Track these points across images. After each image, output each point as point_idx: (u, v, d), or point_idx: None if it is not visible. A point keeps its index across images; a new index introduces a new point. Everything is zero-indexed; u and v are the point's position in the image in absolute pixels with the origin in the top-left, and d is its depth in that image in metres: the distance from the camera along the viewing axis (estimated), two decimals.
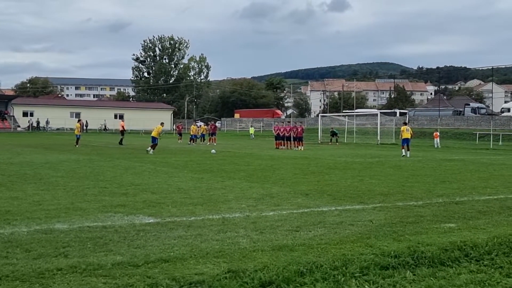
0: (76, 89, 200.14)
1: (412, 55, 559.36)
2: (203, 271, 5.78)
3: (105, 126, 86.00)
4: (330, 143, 46.25)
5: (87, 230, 7.83)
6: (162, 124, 31.74)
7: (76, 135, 36.16)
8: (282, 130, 37.48)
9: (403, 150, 29.13)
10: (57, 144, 38.76)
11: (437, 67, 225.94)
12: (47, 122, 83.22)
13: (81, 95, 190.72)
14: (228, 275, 5.64)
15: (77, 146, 34.09)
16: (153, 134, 29.65)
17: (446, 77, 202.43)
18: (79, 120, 39.05)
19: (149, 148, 28.50)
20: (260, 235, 7.71)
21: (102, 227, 8.10)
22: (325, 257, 6.37)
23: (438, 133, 44.59)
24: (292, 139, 36.32)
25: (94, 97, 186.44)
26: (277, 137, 37.45)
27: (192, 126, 45.84)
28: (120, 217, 8.94)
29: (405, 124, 31.79)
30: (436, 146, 42.28)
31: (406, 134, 29.38)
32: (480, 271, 6.18)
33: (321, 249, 6.78)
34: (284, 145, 36.65)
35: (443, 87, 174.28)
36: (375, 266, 6.12)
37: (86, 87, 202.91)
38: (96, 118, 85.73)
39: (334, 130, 48.34)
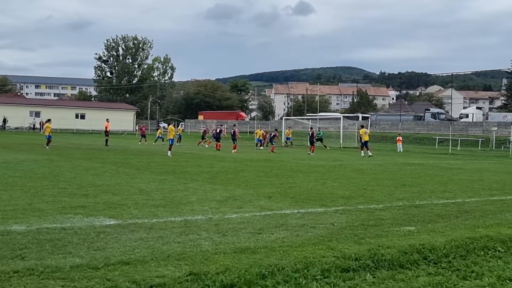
0: (36, 88, 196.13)
1: (375, 60, 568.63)
2: (164, 273, 5.72)
3: (34, 125, 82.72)
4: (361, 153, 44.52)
5: (45, 232, 7.66)
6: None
7: (47, 135, 33.75)
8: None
9: (362, 151, 32.05)
10: (16, 143, 37.91)
11: (399, 73, 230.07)
12: (5, 121, 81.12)
13: (41, 94, 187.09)
14: (190, 278, 5.61)
15: (47, 147, 31.91)
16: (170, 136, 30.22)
17: (408, 82, 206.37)
18: (48, 120, 36.58)
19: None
20: (222, 237, 7.69)
21: (61, 228, 7.94)
22: (287, 259, 6.39)
23: (401, 138, 45.34)
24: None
25: (55, 96, 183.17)
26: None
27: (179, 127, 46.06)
28: (80, 219, 8.79)
29: (362, 127, 34.32)
30: (398, 150, 42.92)
31: (366, 137, 32.19)
32: (438, 274, 6.30)
33: (283, 251, 6.79)
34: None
35: (404, 92, 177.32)
36: (336, 269, 6.18)
37: (46, 86, 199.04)
38: (57, 118, 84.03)
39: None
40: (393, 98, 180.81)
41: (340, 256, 6.59)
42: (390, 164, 26.19)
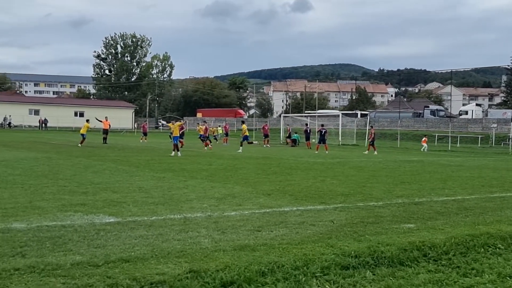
0: (35, 86, 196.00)
1: (374, 57, 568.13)
2: (164, 271, 5.72)
3: (9, 122, 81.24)
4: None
5: (46, 230, 7.66)
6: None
7: (82, 134, 35.96)
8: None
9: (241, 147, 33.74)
10: (16, 141, 37.87)
11: (398, 70, 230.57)
12: (5, 119, 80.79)
13: (40, 92, 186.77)
14: (190, 275, 5.61)
15: (80, 146, 33.50)
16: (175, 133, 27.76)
17: (407, 79, 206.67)
18: (87, 120, 38.46)
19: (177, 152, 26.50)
20: (222, 235, 7.69)
21: (61, 226, 7.95)
22: (286, 257, 6.39)
23: (426, 139, 44.51)
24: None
25: (53, 94, 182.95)
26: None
27: (200, 126, 43.11)
28: (80, 216, 8.79)
29: (243, 123, 39.90)
30: (423, 150, 41.84)
31: (246, 133, 37.45)
32: (438, 271, 6.31)
33: (282, 249, 6.79)
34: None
35: (403, 89, 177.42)
36: (335, 266, 6.18)
37: (45, 84, 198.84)
38: (56, 116, 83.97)
39: None
40: (392, 95, 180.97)
41: (340, 254, 6.59)
42: (389, 161, 26.19)
